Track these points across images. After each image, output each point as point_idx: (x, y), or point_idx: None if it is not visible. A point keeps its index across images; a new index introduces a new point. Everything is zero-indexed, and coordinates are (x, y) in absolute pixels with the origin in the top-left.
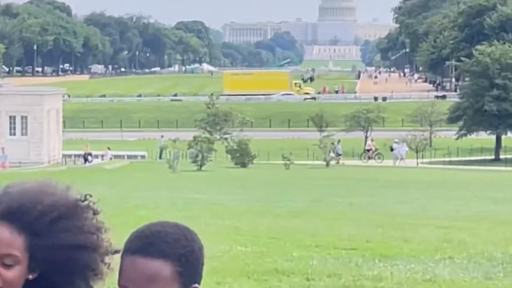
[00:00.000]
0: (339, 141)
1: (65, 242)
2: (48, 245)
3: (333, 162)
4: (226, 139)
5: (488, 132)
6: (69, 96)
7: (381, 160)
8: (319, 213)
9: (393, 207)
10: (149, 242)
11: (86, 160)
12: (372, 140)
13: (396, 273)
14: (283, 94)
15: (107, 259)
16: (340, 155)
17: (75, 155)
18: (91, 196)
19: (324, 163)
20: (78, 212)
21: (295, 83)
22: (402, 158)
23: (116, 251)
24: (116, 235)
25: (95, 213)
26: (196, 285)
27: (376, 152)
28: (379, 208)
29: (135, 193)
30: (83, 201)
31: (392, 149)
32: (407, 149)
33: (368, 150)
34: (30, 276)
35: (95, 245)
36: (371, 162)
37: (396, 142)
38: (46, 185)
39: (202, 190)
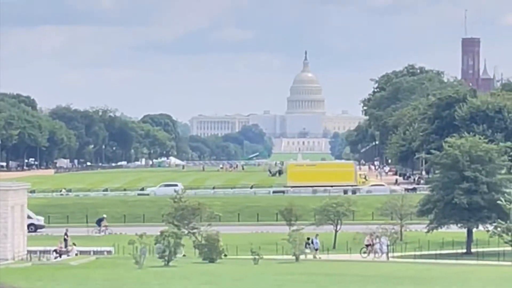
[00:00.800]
0: (317, 235)
1: None
2: None
3: (310, 257)
4: (194, 233)
5: (459, 225)
6: (33, 191)
7: (379, 255)
8: None
9: None
10: None
11: (60, 255)
12: (371, 235)
13: None
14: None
15: None
16: (317, 249)
17: (40, 251)
18: None
19: (294, 257)
20: None
21: (360, 175)
22: (384, 253)
23: None
24: None
25: None
26: None
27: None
28: None
29: None
30: None
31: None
32: (388, 243)
33: (367, 245)
34: None
35: None
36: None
37: (376, 237)
38: None
39: (170, 287)
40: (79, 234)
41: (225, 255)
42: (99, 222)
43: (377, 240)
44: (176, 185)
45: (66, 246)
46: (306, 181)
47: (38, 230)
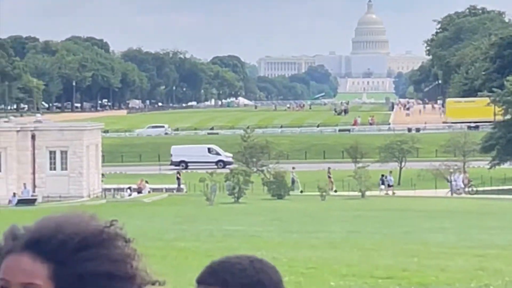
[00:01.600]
0: (390, 172)
1: (92, 270)
2: (74, 274)
3: (382, 193)
4: (262, 171)
5: None
6: (107, 131)
7: (474, 192)
8: (355, 243)
9: (428, 236)
10: (212, 271)
11: (139, 193)
12: (465, 173)
13: None
14: None
15: None
16: (391, 185)
17: (114, 189)
18: (117, 221)
19: (360, 194)
20: (104, 240)
21: None
22: (459, 189)
23: (157, 282)
24: (156, 267)
25: (126, 241)
26: None
27: (469, 185)
28: (414, 238)
29: (174, 226)
30: (110, 228)
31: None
32: (465, 180)
33: (465, 184)
34: None
35: (126, 274)
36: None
37: (451, 174)
38: (69, 215)
39: (240, 222)
40: (151, 172)
41: (301, 191)
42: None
43: (454, 177)
44: (163, 127)
45: (179, 185)
46: (466, 117)
47: (227, 166)
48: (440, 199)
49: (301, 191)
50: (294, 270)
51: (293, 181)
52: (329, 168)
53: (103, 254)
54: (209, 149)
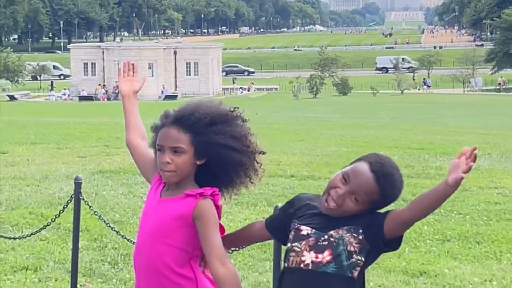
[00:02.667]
0: (428, 75)
1: (218, 141)
2: (205, 141)
3: (422, 91)
4: (332, 76)
5: None
6: (225, 49)
7: (507, 92)
8: (397, 126)
9: (447, 121)
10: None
11: (248, 91)
12: (501, 77)
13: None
14: None
15: (256, 158)
16: (429, 86)
17: (230, 89)
18: (238, 108)
19: (400, 92)
20: (228, 119)
21: None
22: (479, 88)
23: (262, 152)
24: (260, 141)
25: (244, 120)
26: None
27: (504, 86)
28: (438, 122)
29: (271, 114)
30: (233, 112)
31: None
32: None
33: (499, 84)
34: (198, 162)
35: (243, 147)
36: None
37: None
38: (204, 101)
39: (317, 111)
40: (256, 77)
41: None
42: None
43: (476, 80)
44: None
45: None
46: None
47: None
48: (456, 95)
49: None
50: (355, 143)
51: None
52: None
53: (227, 130)
54: None
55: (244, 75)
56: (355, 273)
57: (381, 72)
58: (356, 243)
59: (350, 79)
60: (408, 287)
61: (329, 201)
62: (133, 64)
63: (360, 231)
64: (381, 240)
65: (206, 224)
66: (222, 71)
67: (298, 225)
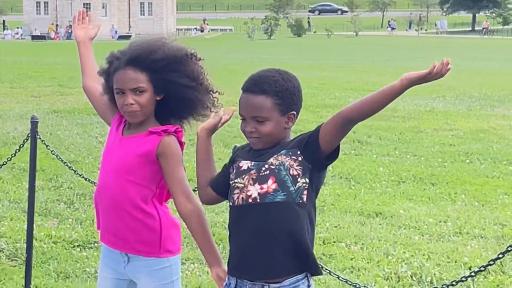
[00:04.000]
0: (393, 20)
1: (174, 79)
2: (163, 79)
3: (387, 33)
4: (287, 17)
5: (466, 11)
6: None
7: (490, 35)
8: (352, 67)
9: (403, 63)
10: (254, 82)
11: (202, 31)
12: (486, 21)
13: (406, 106)
14: None
15: (211, 96)
16: (394, 28)
17: (184, 29)
18: (192, 48)
19: (354, 33)
20: (183, 59)
21: None
22: (443, 31)
23: (216, 91)
24: (215, 82)
25: (198, 59)
26: (294, 112)
27: (487, 30)
28: (393, 64)
29: (226, 55)
30: (187, 50)
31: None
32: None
33: (483, 28)
34: (158, 98)
35: (197, 86)
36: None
37: (437, 21)
38: (159, 39)
39: (272, 52)
40: (210, 17)
41: (315, 32)
42: None
43: (441, 22)
44: None
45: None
46: None
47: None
48: (412, 38)
49: (314, 32)
50: (311, 85)
51: (309, 24)
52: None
53: (183, 69)
54: None
55: (338, 14)
56: (304, 198)
57: (336, 14)
58: (297, 166)
59: (305, 20)
60: (364, 227)
61: (253, 144)
62: (87, 12)
63: (298, 152)
64: (319, 153)
65: (170, 160)
66: (315, 10)
67: (238, 162)
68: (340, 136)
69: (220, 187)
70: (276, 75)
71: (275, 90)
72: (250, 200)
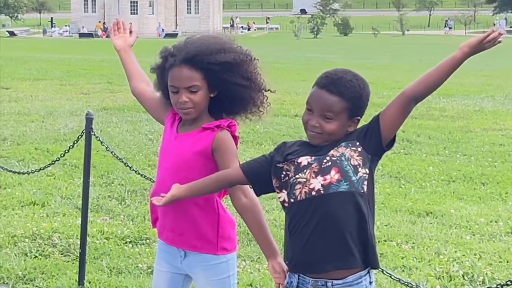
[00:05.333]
0: (449, 18)
1: (229, 79)
2: (218, 78)
3: (444, 33)
4: (334, 16)
5: None
6: None
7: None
8: (399, 67)
9: None
10: (332, 82)
11: (249, 30)
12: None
13: (455, 106)
14: None
15: (263, 94)
16: (450, 28)
17: (231, 27)
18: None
19: (401, 33)
20: (240, 61)
21: None
22: (504, 30)
23: (270, 90)
24: (266, 79)
25: (253, 59)
26: (359, 117)
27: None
28: None
29: (272, 53)
30: (242, 50)
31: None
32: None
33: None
34: (211, 95)
35: (251, 85)
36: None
37: (497, 20)
38: (217, 38)
39: (317, 51)
40: (257, 16)
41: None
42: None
43: (500, 22)
44: None
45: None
46: None
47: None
48: (459, 37)
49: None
50: None
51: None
52: None
53: (238, 70)
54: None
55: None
56: (365, 188)
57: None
58: (357, 156)
59: (351, 19)
60: (415, 226)
61: (311, 137)
62: (122, 22)
63: (357, 143)
64: (379, 142)
65: (225, 154)
66: None
67: (295, 159)
68: (402, 119)
69: (250, 174)
70: (354, 80)
71: (351, 96)
72: (313, 193)
